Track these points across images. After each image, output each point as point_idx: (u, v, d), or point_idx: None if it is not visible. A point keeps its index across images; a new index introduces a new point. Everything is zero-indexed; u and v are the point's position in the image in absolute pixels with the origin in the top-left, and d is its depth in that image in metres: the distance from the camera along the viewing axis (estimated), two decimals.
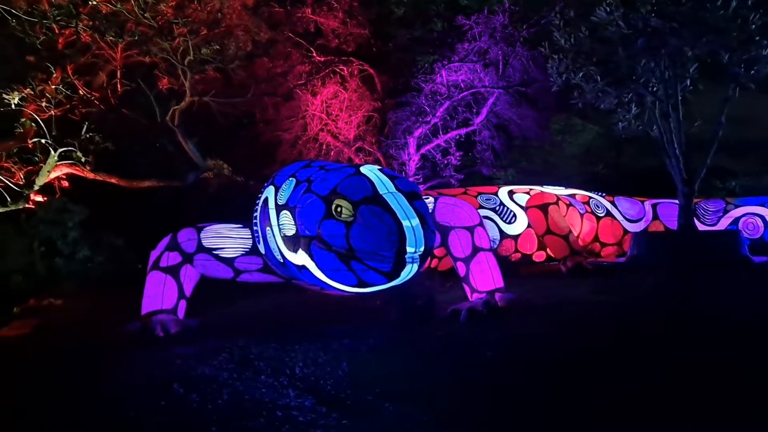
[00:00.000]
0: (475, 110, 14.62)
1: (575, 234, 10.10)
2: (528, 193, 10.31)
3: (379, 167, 5.46)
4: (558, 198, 10.33)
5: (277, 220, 5.52)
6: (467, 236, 6.48)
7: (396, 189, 5.10)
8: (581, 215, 10.54)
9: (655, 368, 4.13)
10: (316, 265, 5.21)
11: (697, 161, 7.95)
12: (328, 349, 5.10)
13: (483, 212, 9.41)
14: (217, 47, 11.95)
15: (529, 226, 9.83)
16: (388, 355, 5.01)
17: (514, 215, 9.83)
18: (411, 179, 13.39)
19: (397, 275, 5.04)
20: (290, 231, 5.34)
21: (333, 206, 4.99)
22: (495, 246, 9.29)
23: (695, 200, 9.86)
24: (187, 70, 11.89)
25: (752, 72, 7.28)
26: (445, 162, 14.12)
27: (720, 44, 7.19)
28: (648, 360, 4.35)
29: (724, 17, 6.88)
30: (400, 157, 13.71)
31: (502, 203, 9.90)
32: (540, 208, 9.94)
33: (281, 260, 5.69)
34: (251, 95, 13.47)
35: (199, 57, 11.81)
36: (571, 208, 10.45)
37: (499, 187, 10.58)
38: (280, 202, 5.53)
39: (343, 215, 4.96)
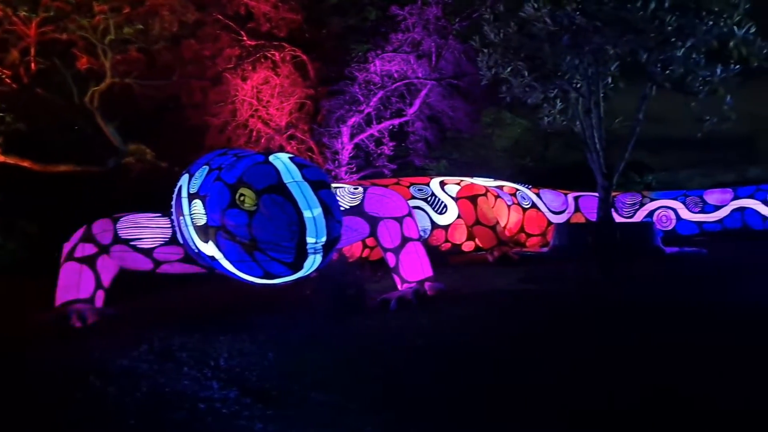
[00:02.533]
0: (408, 101, 14.72)
1: (502, 225, 10.37)
2: (458, 184, 10.50)
3: (291, 155, 5.37)
4: (487, 189, 10.58)
5: (189, 209, 5.37)
6: (396, 227, 6.52)
7: (303, 178, 5.03)
8: (508, 207, 10.84)
9: (577, 354, 4.29)
10: (224, 255, 5.12)
11: (617, 156, 8.28)
12: (254, 340, 5.02)
13: (415, 202, 9.51)
14: (141, 27, 11.43)
15: (459, 216, 10.01)
16: (316, 344, 4.97)
17: (445, 206, 9.98)
18: (344, 168, 13.35)
19: (300, 266, 5.00)
20: (201, 221, 5.21)
21: (237, 195, 4.89)
22: (426, 236, 9.41)
23: (614, 194, 10.32)
24: (107, 50, 11.32)
25: (668, 72, 7.63)
26: (379, 152, 14.15)
27: (639, 44, 7.49)
28: (570, 346, 4.52)
29: (643, 18, 7.16)
30: (333, 146, 13.63)
31: (433, 194, 10.03)
32: (470, 199, 10.15)
33: (196, 250, 5.56)
34: (177, 78, 12.99)
35: (120, 36, 11.25)
36: (499, 199, 10.72)
37: (431, 178, 10.72)
38: (192, 191, 5.38)
39: (246, 204, 4.87)
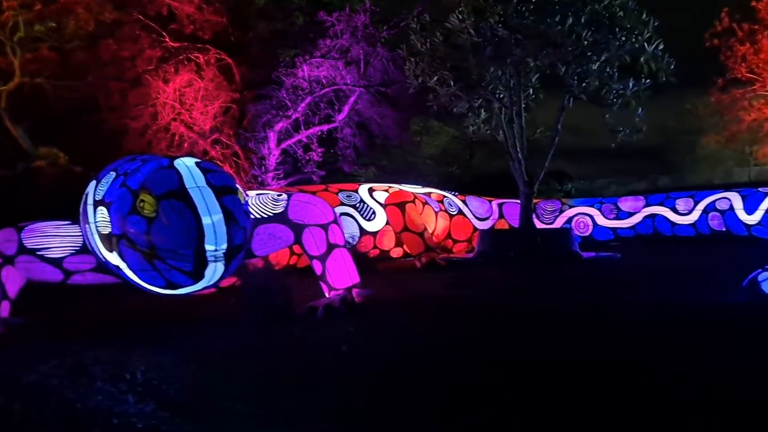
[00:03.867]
0: (336, 107, 14.72)
1: (430, 231, 10.52)
2: (387, 191, 10.56)
3: (198, 160, 5.24)
4: (415, 196, 10.70)
5: (94, 217, 5.14)
6: (321, 234, 6.46)
7: (206, 183, 4.90)
8: (436, 213, 11.00)
9: (499, 357, 4.39)
10: (127, 265, 4.94)
11: (538, 165, 8.60)
12: (174, 352, 4.82)
13: (344, 209, 9.49)
14: (53, 24, 10.86)
15: (387, 223, 10.06)
16: (240, 355, 4.84)
17: (374, 212, 10.01)
18: (271, 174, 13.16)
19: (201, 275, 4.87)
20: (106, 229, 4.99)
21: (138, 201, 4.73)
22: (354, 242, 9.40)
23: (535, 201, 10.69)
24: (16, 48, 10.69)
25: (584, 84, 8.02)
26: (307, 158, 14.05)
27: (558, 57, 7.84)
28: (493, 349, 4.62)
29: (561, 33, 7.50)
30: (260, 151, 13.43)
31: (362, 200, 10.04)
32: (398, 205, 10.22)
33: (104, 260, 5.33)
34: (93, 79, 12.43)
35: (31, 34, 10.66)
36: (426, 206, 10.86)
37: (359, 185, 10.73)
38: (98, 198, 5.15)
39: (146, 210, 4.72)
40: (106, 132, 13.25)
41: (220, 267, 4.87)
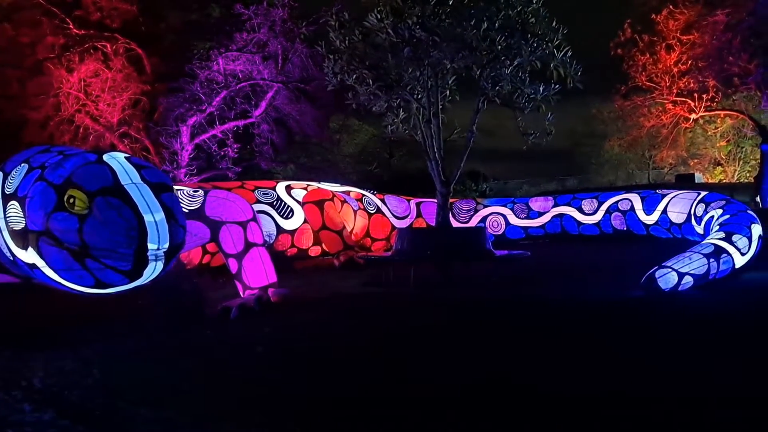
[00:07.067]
0: (253, 102, 14.44)
1: (348, 229, 10.52)
2: (305, 188, 10.46)
3: (127, 155, 5.03)
4: (333, 194, 10.66)
5: (4, 212, 4.80)
6: (239, 231, 6.33)
7: (142, 180, 4.73)
8: (355, 212, 11.02)
9: (416, 351, 4.46)
10: (47, 263, 4.64)
11: (455, 165, 8.79)
12: (77, 356, 4.57)
13: (260, 207, 9.31)
14: None
15: (305, 221, 9.97)
16: (148, 358, 4.65)
17: (292, 210, 9.89)
18: (184, 170, 12.73)
19: (140, 274, 4.68)
20: (19, 224, 4.68)
21: (65, 197, 4.48)
22: (271, 241, 9.25)
23: (452, 200, 10.93)
24: None
25: (498, 88, 8.26)
26: (222, 153, 13.70)
27: (473, 60, 8.04)
28: (408, 344, 4.69)
29: (476, 36, 7.69)
30: (172, 146, 12.95)
31: (279, 198, 9.89)
32: (316, 203, 10.15)
33: (11, 258, 4.96)
34: None
35: None
36: (345, 204, 10.85)
37: (277, 182, 10.57)
38: (8, 191, 4.82)
39: (76, 207, 4.47)
40: (2, 122, 12.33)
41: (159, 266, 4.68)
